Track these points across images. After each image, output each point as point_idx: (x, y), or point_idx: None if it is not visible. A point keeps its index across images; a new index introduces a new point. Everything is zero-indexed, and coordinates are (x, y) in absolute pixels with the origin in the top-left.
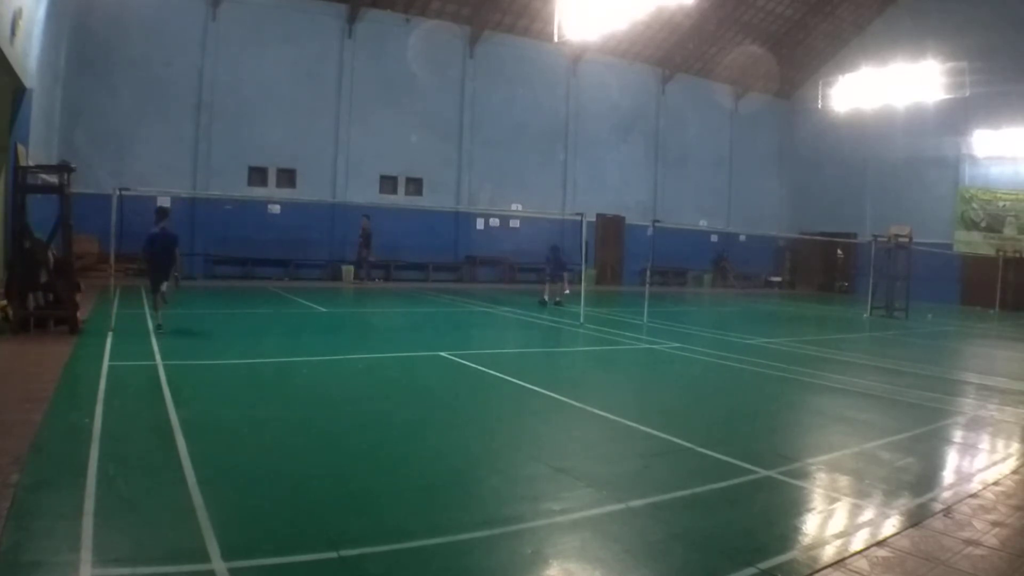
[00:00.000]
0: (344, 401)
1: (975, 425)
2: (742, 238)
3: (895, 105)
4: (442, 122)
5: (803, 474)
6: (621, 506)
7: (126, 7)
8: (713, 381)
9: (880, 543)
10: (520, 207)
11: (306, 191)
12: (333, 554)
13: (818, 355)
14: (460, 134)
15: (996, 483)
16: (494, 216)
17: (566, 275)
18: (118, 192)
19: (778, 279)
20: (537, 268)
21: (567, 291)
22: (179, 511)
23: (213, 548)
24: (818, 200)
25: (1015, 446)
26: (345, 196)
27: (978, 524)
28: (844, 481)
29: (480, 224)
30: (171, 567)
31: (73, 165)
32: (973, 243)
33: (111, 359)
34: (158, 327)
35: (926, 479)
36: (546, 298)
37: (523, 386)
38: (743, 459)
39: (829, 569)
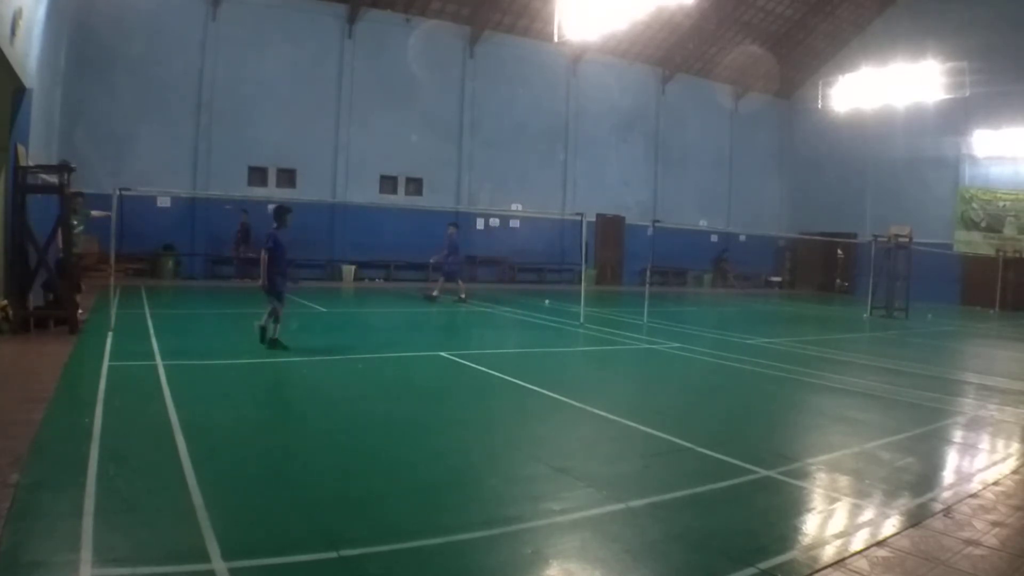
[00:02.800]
0: (344, 401)
1: (975, 425)
2: (742, 238)
3: (895, 105)
4: (442, 122)
5: (803, 474)
6: (621, 506)
7: (126, 7)
8: (713, 381)
9: (880, 543)
10: (520, 207)
11: (306, 191)
12: (333, 554)
13: (818, 355)
14: (460, 134)
15: (996, 483)
16: (494, 216)
17: (459, 279)
18: (118, 192)
19: (778, 279)
20: (536, 268)
21: (463, 295)
22: (179, 511)
23: (213, 548)
24: (818, 200)
25: (1015, 446)
26: (345, 196)
27: (978, 524)
28: (844, 481)
29: (480, 224)
30: (171, 567)
31: (73, 165)
32: (973, 243)
33: (111, 359)
34: (275, 341)
35: (926, 479)
36: (435, 293)
37: (523, 386)
38: (743, 459)
39: (829, 569)
